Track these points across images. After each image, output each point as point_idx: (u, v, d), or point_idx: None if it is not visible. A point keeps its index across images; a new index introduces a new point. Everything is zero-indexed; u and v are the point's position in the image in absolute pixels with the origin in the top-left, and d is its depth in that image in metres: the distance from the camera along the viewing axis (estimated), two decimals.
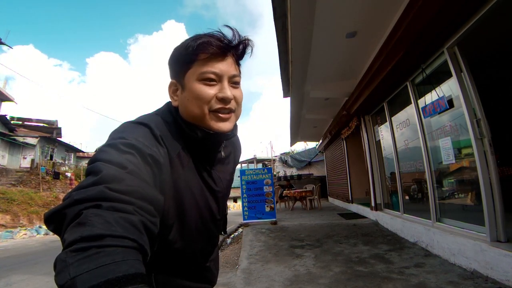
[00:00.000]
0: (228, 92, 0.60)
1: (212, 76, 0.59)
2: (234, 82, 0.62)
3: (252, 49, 0.64)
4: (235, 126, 0.69)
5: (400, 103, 4.17)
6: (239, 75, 0.63)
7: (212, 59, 0.59)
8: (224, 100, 0.60)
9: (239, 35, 0.61)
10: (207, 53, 0.58)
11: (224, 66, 0.60)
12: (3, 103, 14.73)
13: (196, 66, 0.59)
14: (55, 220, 0.39)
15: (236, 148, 0.82)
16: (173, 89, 0.65)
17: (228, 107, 0.61)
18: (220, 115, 0.61)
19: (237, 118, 0.66)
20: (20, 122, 17.80)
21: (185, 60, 0.60)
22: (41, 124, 18.59)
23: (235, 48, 0.62)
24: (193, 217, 0.63)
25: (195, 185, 0.63)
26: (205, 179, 0.66)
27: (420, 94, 3.47)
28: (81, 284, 0.30)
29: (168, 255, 0.61)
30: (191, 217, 0.62)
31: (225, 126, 0.62)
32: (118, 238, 0.35)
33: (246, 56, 0.66)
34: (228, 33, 0.60)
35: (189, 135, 0.62)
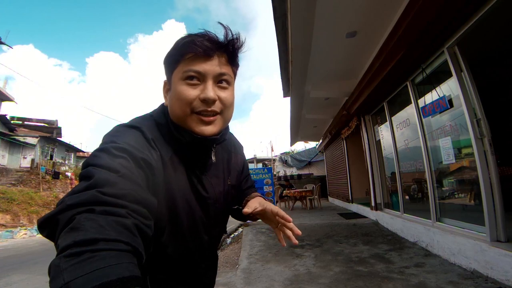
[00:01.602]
0: (211, 92, 0.56)
1: (194, 74, 0.56)
2: (222, 82, 0.59)
3: (240, 48, 0.61)
4: (225, 130, 0.66)
5: (400, 103, 4.16)
6: (228, 74, 0.60)
7: (197, 59, 0.56)
8: (206, 101, 0.56)
9: (231, 34, 0.58)
10: (191, 52, 0.56)
11: (209, 66, 0.57)
12: (3, 103, 14.72)
13: (181, 65, 0.57)
14: (49, 226, 0.39)
15: (230, 152, 0.77)
16: (166, 88, 0.64)
17: (212, 110, 0.57)
18: (203, 117, 0.57)
19: (225, 121, 0.62)
20: (20, 122, 17.80)
21: (172, 59, 0.59)
22: (41, 124, 18.59)
23: (225, 48, 0.59)
24: (185, 221, 0.61)
25: (186, 190, 0.62)
26: (195, 184, 0.63)
27: (420, 94, 3.47)
28: None
29: (162, 258, 0.60)
30: (182, 221, 0.61)
31: (207, 130, 0.58)
32: (112, 241, 0.35)
33: (243, 56, 0.63)
34: (222, 32, 0.58)
35: (177, 138, 0.60)
